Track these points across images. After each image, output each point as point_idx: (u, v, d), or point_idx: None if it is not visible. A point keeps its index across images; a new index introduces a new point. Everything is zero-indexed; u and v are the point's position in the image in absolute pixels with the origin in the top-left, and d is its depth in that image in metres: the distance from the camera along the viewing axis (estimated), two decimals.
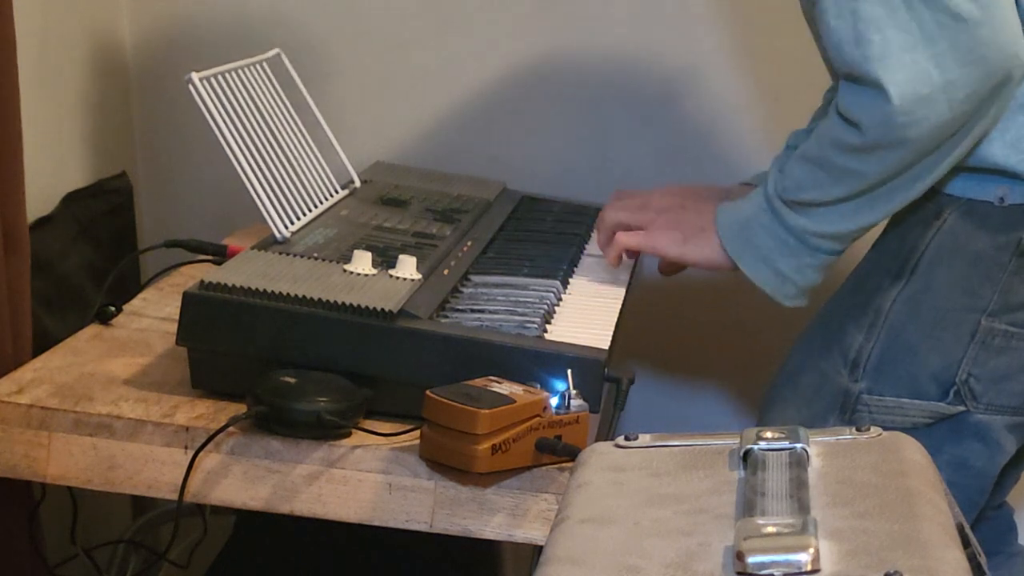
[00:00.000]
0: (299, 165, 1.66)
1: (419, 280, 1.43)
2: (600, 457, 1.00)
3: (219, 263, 1.61)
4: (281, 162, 1.61)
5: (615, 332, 1.47)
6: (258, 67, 1.68)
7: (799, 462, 0.92)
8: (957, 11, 1.31)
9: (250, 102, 1.60)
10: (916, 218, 1.49)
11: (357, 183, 1.83)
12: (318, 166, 1.72)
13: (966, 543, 0.89)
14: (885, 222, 1.54)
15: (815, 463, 0.93)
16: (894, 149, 1.37)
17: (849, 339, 1.51)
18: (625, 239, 1.59)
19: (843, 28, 1.34)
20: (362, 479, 1.28)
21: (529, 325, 1.40)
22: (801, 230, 1.46)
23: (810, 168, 1.44)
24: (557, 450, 1.24)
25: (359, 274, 1.42)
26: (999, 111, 1.40)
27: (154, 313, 1.61)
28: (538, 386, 1.27)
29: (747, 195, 1.53)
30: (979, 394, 1.46)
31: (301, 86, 1.79)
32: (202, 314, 1.33)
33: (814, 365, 1.55)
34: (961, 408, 1.47)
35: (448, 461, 1.24)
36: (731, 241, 1.51)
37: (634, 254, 1.66)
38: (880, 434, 0.98)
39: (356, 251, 1.44)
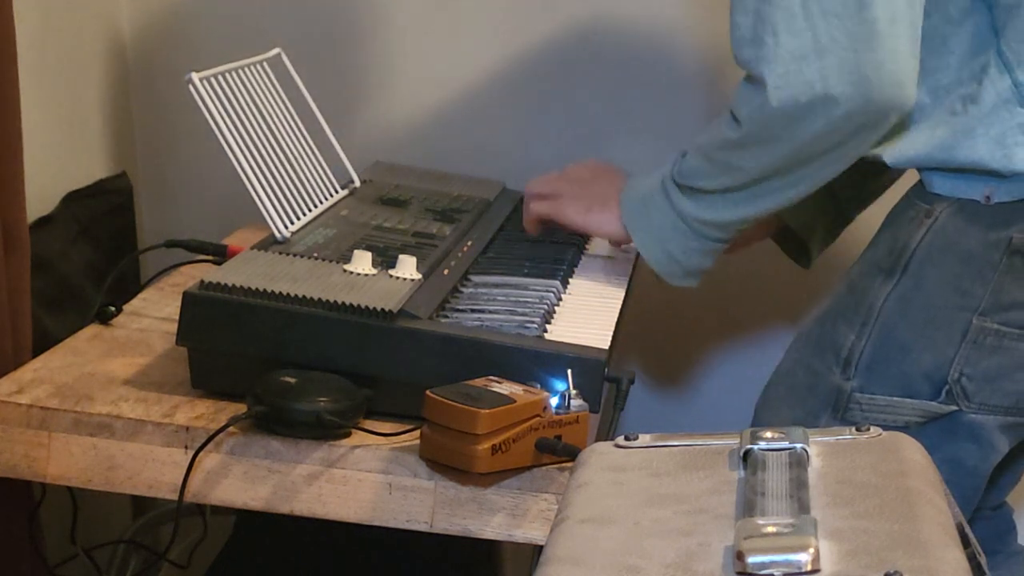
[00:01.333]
0: (299, 165, 1.66)
1: (419, 280, 1.43)
2: (600, 457, 1.00)
3: (219, 263, 1.61)
4: (281, 162, 1.61)
5: (615, 332, 1.47)
6: (258, 67, 1.68)
7: (799, 462, 0.92)
8: (854, 30, 1.33)
9: (250, 102, 1.60)
10: (908, 217, 1.49)
11: (357, 183, 1.83)
12: (318, 166, 1.72)
13: (966, 543, 0.89)
14: (880, 223, 1.54)
15: (815, 463, 0.93)
16: (767, 147, 1.42)
17: (841, 338, 1.51)
18: (535, 206, 1.68)
19: (744, 25, 1.39)
20: (362, 479, 1.28)
21: (529, 325, 1.40)
22: (687, 214, 1.51)
23: (699, 157, 1.50)
24: (557, 450, 1.24)
25: (359, 274, 1.42)
26: (879, 139, 1.42)
27: (154, 313, 1.61)
28: (538, 386, 1.27)
29: (652, 174, 1.58)
30: (972, 393, 1.46)
31: (301, 86, 1.79)
32: (202, 314, 1.33)
33: (807, 363, 1.55)
34: (954, 407, 1.47)
35: (448, 461, 1.24)
36: (629, 216, 1.57)
37: (620, 245, 1.71)
38: (880, 434, 0.98)
39: (356, 251, 1.45)
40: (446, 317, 1.41)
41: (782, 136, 1.40)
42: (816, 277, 2.21)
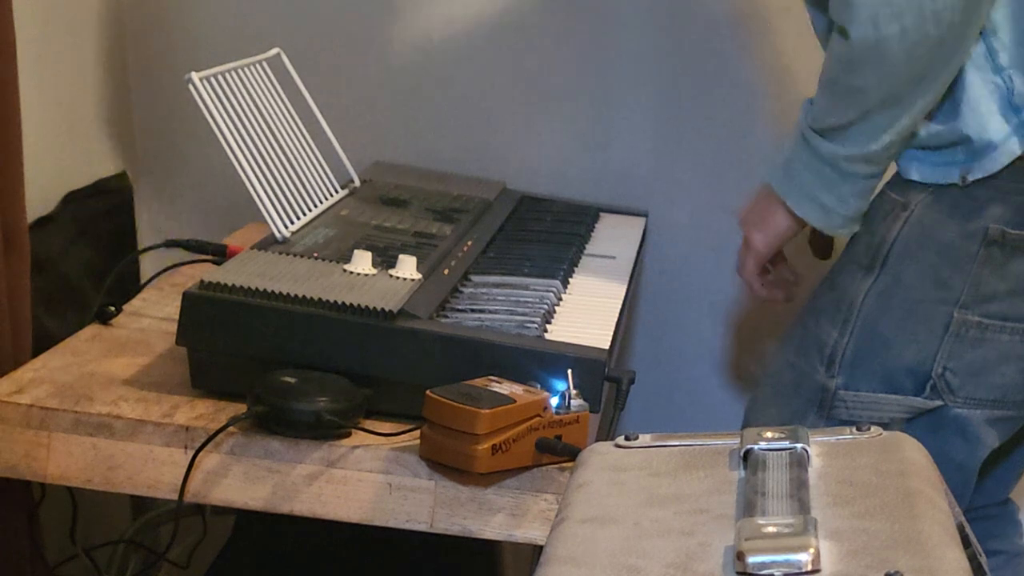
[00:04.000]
0: (299, 165, 1.66)
1: (419, 280, 1.43)
2: (600, 457, 1.00)
3: (219, 263, 1.60)
4: (281, 162, 1.61)
5: (615, 332, 1.47)
6: (258, 67, 1.68)
7: (799, 462, 0.92)
8: None
9: (250, 102, 1.60)
10: (883, 211, 1.49)
11: (357, 183, 1.83)
12: (318, 166, 1.72)
13: (966, 543, 0.89)
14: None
15: (815, 463, 0.93)
16: (878, 54, 1.38)
17: (824, 335, 1.51)
18: (741, 272, 1.66)
19: None
20: (362, 479, 1.28)
21: (529, 325, 1.40)
22: (832, 156, 1.47)
23: (825, 92, 1.47)
24: (557, 450, 1.24)
25: (359, 274, 1.42)
26: (976, 32, 1.40)
27: (154, 313, 1.61)
28: (538, 386, 1.27)
29: (784, 143, 1.55)
30: (956, 387, 1.46)
31: (301, 86, 1.79)
32: (202, 314, 1.33)
33: (792, 363, 1.55)
34: (939, 402, 1.46)
35: (448, 461, 1.24)
36: (779, 185, 1.54)
37: (754, 270, 1.67)
38: (880, 434, 0.98)
39: (356, 251, 1.45)
40: (446, 317, 1.41)
41: (886, 32, 1.36)
42: (816, 277, 2.21)
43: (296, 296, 1.33)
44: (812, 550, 0.79)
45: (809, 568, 0.78)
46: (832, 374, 1.50)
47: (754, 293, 1.68)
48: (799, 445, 0.94)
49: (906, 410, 1.47)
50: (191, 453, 1.28)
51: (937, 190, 1.45)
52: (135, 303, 1.65)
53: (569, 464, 1.24)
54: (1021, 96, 1.42)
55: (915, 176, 1.47)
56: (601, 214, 2.00)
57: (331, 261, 1.45)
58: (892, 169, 1.53)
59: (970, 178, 1.43)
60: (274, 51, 1.77)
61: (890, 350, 1.47)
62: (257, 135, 1.57)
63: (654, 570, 0.81)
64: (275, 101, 1.69)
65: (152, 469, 1.30)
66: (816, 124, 1.49)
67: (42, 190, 1.83)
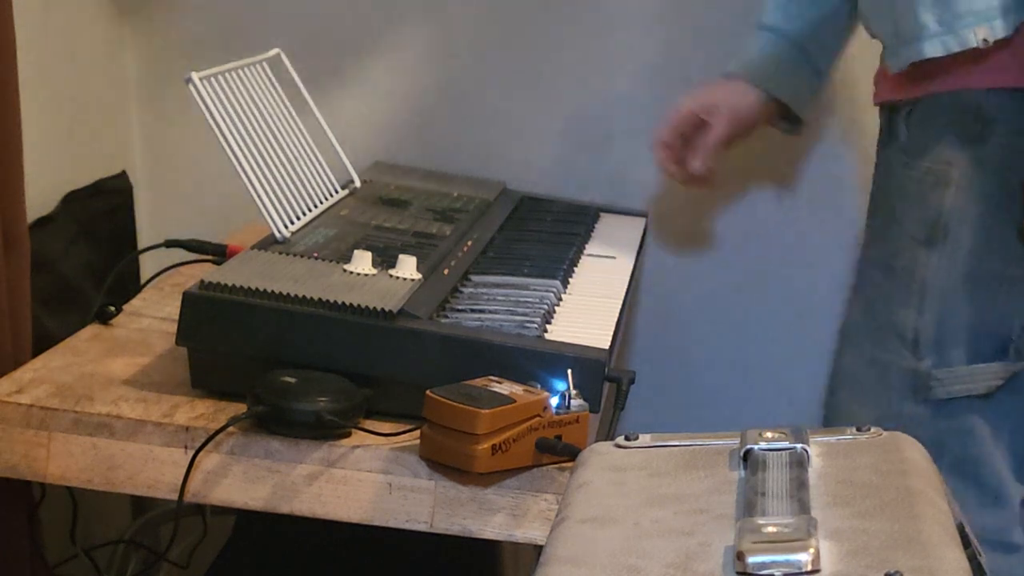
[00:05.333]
0: (299, 165, 1.66)
1: (419, 280, 1.43)
2: (600, 457, 1.00)
3: (219, 263, 1.61)
4: (281, 162, 1.61)
5: (615, 332, 1.47)
6: (258, 67, 1.68)
7: (799, 462, 0.92)
8: None
9: (250, 102, 1.60)
10: (927, 183, 1.48)
11: (357, 183, 1.83)
12: (318, 166, 1.72)
13: (966, 543, 0.89)
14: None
15: (815, 463, 0.93)
16: None
17: (900, 320, 1.49)
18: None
19: None
20: (362, 479, 1.28)
21: (529, 325, 1.40)
22: None
23: None
24: (557, 450, 1.24)
25: (359, 274, 1.42)
26: None
27: (154, 313, 1.61)
28: (538, 386, 1.27)
29: None
30: None
31: (301, 86, 1.79)
32: (202, 314, 1.33)
33: (870, 357, 1.52)
34: None
35: (448, 461, 1.24)
36: None
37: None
38: (880, 434, 0.98)
39: (356, 251, 1.45)
40: (446, 317, 1.41)
41: None
42: (816, 277, 2.21)
43: (296, 296, 1.33)
44: (812, 550, 0.79)
45: (809, 568, 0.78)
46: (920, 356, 1.48)
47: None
48: (799, 445, 0.94)
49: (999, 375, 1.45)
50: (191, 453, 1.28)
51: (975, 153, 1.44)
52: (135, 303, 1.65)
53: (569, 464, 1.24)
54: None
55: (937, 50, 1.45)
56: (601, 214, 2.00)
57: (331, 261, 1.45)
58: (923, 144, 1.52)
59: (992, 38, 1.42)
60: (274, 51, 1.77)
61: (971, 318, 1.45)
62: (257, 135, 1.57)
63: (654, 570, 0.81)
64: (275, 101, 1.69)
65: (152, 469, 1.30)
66: None
67: (42, 190, 1.83)
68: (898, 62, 1.49)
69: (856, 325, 1.57)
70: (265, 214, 1.52)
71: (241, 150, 1.52)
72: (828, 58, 1.80)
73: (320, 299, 1.33)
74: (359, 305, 1.32)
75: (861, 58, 1.77)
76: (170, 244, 1.68)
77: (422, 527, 1.28)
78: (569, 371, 1.27)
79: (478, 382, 1.25)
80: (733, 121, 1.73)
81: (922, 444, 1.48)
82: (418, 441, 1.26)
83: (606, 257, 1.75)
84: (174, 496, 1.29)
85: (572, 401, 1.26)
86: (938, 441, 1.43)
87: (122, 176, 2.11)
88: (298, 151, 1.68)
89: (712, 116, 1.74)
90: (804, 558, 0.78)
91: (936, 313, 1.46)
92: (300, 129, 1.71)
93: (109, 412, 1.31)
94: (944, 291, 1.46)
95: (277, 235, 1.52)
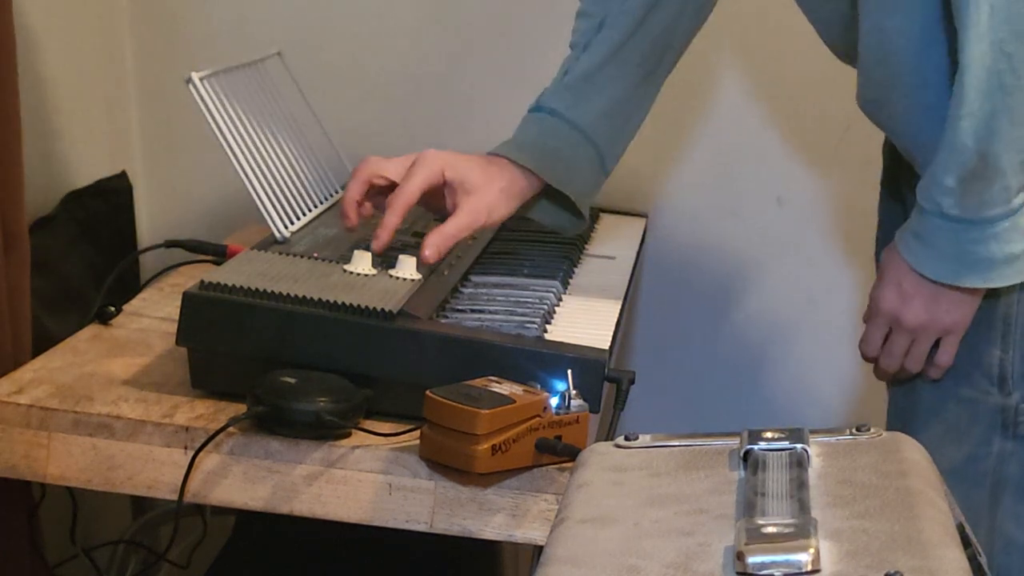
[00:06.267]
0: (299, 165, 1.66)
1: (419, 280, 1.43)
2: (600, 457, 1.00)
3: (219, 263, 1.61)
4: (281, 162, 1.61)
5: (615, 332, 1.47)
6: (258, 67, 1.69)
7: (799, 462, 0.92)
8: None
9: (250, 102, 1.60)
10: None
11: None
12: (318, 166, 1.72)
13: (966, 543, 0.89)
14: None
15: (815, 463, 0.93)
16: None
17: (986, 357, 1.48)
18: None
19: None
20: (362, 479, 1.28)
21: (529, 325, 1.40)
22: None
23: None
24: (557, 450, 1.24)
25: (359, 274, 1.42)
26: None
27: (154, 313, 1.61)
28: (538, 386, 1.27)
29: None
30: None
31: (301, 86, 1.79)
32: (202, 314, 1.33)
33: (955, 396, 1.50)
34: None
35: (448, 461, 1.24)
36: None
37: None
38: (880, 434, 0.98)
39: (356, 251, 1.44)
40: (446, 317, 1.41)
41: None
42: (816, 277, 2.21)
43: (296, 296, 1.33)
44: (812, 550, 0.79)
45: (809, 568, 0.78)
46: (1008, 391, 1.47)
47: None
48: (799, 445, 0.94)
49: None
50: (191, 453, 1.28)
51: None
52: (135, 303, 1.65)
53: (569, 464, 1.24)
54: None
55: None
56: (601, 214, 2.00)
57: (331, 261, 1.45)
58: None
59: None
60: (274, 51, 1.77)
61: None
62: (257, 135, 1.57)
63: (654, 570, 0.81)
64: (275, 101, 1.69)
65: (152, 469, 1.30)
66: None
67: (42, 190, 1.83)
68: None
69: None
70: (265, 214, 1.52)
71: (241, 150, 1.52)
72: (616, 153, 1.63)
73: (320, 299, 1.33)
74: (359, 305, 1.32)
75: None
76: (170, 244, 1.68)
77: (422, 527, 1.28)
78: (569, 371, 1.27)
79: (478, 382, 1.25)
80: (479, 220, 1.50)
81: (1018, 481, 1.48)
82: (418, 441, 1.26)
83: (606, 257, 1.76)
84: (174, 496, 1.29)
85: (572, 401, 1.26)
86: None
87: (122, 176, 2.11)
88: (298, 151, 1.68)
89: (458, 199, 1.49)
90: (804, 558, 0.78)
91: (1022, 349, 1.46)
92: (300, 129, 1.72)
93: (109, 412, 1.31)
94: None
95: (277, 235, 1.52)
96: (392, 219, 1.46)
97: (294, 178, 1.62)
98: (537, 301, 1.49)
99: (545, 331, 1.41)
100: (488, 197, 1.50)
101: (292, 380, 1.29)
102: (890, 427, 1.55)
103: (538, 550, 1.10)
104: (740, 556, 0.79)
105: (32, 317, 1.57)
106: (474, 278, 1.56)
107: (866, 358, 1.53)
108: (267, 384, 1.29)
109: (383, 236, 1.46)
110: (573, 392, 1.26)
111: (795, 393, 2.25)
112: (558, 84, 1.61)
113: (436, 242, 1.46)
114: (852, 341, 1.59)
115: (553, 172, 1.54)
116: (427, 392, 1.23)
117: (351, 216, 1.49)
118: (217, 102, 1.52)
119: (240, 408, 1.29)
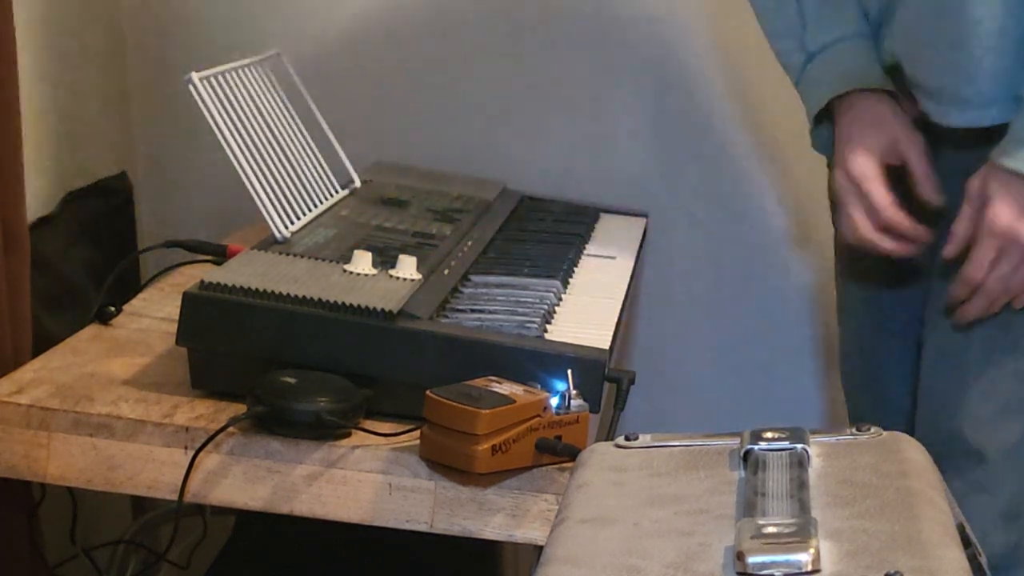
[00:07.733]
0: (299, 165, 1.66)
1: (419, 280, 1.43)
2: (600, 457, 1.00)
3: (219, 263, 1.60)
4: (281, 162, 1.61)
5: (615, 332, 1.47)
6: (258, 67, 1.68)
7: (800, 462, 0.92)
8: None
9: (250, 102, 1.60)
10: None
11: (357, 183, 1.83)
12: (318, 166, 1.72)
13: (966, 543, 0.89)
14: None
15: (816, 463, 0.93)
16: None
17: None
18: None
19: None
20: (362, 479, 1.28)
21: (529, 325, 1.40)
22: None
23: None
24: (557, 450, 1.24)
25: (359, 274, 1.42)
26: None
27: (154, 313, 1.61)
28: (538, 386, 1.27)
29: None
30: None
31: (301, 86, 1.79)
32: (202, 314, 1.33)
33: (1013, 370, 1.50)
34: None
35: (448, 461, 1.24)
36: None
37: None
38: (880, 434, 0.98)
39: (356, 251, 1.44)
40: (446, 317, 1.41)
41: None
42: (816, 278, 2.21)
43: (296, 296, 1.33)
44: (812, 550, 0.79)
45: (809, 568, 0.78)
46: None
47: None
48: (799, 445, 0.94)
49: None
50: (191, 453, 1.28)
51: None
52: (135, 303, 1.65)
53: (569, 464, 1.24)
54: None
55: None
56: (601, 214, 2.00)
57: (331, 261, 1.45)
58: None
59: None
60: (274, 51, 1.77)
61: None
62: (257, 135, 1.57)
63: (654, 570, 0.81)
64: (275, 101, 1.69)
65: (152, 469, 1.30)
66: None
67: (42, 190, 1.83)
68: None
69: (992, 339, 1.52)
70: (265, 214, 1.52)
71: (241, 150, 1.52)
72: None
73: (320, 299, 1.33)
74: (359, 305, 1.32)
75: None
76: (170, 244, 1.68)
77: (422, 527, 1.28)
78: (569, 371, 1.27)
79: (478, 382, 1.25)
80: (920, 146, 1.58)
81: None
82: (418, 441, 1.26)
83: (606, 257, 1.75)
84: (174, 496, 1.29)
85: (572, 401, 1.26)
86: None
87: (122, 176, 2.11)
88: (298, 151, 1.68)
89: (906, 153, 1.57)
90: (804, 558, 0.78)
91: None
92: (300, 129, 1.72)
93: (109, 412, 1.31)
94: None
95: (277, 235, 1.52)
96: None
97: (294, 178, 1.62)
98: (537, 301, 1.49)
99: (545, 331, 1.41)
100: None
101: (292, 380, 1.29)
102: (945, 380, 1.54)
103: (538, 550, 1.10)
104: (740, 556, 0.79)
105: (32, 317, 1.57)
106: (474, 278, 1.56)
107: (971, 283, 1.49)
108: (267, 384, 1.29)
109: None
110: (573, 392, 1.26)
111: (795, 393, 2.25)
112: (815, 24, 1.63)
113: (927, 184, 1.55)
114: None
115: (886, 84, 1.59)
116: (427, 392, 1.23)
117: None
118: (217, 102, 1.52)
119: (240, 408, 1.29)
